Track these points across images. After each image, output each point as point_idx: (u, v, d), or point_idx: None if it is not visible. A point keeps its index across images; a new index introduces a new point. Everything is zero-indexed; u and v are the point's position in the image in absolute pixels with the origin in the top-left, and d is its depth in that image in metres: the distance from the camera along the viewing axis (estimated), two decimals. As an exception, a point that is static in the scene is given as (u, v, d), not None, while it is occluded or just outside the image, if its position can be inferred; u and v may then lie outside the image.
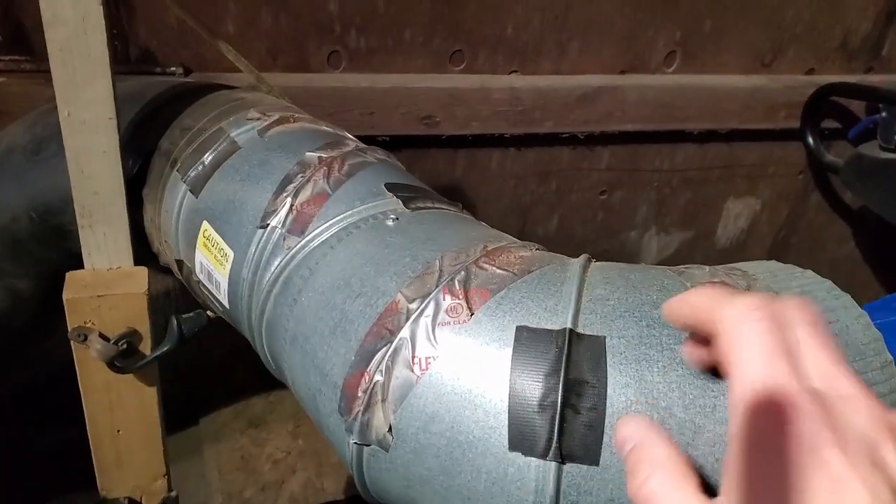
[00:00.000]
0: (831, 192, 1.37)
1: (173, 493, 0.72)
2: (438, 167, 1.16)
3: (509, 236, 0.44)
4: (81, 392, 0.62)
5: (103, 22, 0.52)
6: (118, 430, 0.65)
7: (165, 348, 0.61)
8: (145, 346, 0.61)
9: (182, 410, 1.30)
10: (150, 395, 0.64)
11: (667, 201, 1.32)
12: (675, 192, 1.31)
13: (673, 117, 1.17)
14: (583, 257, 0.39)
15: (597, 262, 0.40)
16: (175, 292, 1.05)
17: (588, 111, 1.13)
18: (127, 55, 0.96)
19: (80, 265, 0.61)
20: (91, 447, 0.66)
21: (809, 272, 0.40)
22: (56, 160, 0.63)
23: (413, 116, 1.08)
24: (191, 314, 0.62)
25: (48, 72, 0.97)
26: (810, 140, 1.20)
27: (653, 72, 1.16)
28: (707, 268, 0.40)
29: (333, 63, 1.04)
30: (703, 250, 1.41)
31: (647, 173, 1.27)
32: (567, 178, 1.24)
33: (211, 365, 1.25)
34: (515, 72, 1.12)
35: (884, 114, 1.09)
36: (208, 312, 0.62)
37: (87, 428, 0.65)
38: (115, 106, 0.53)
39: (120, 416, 0.64)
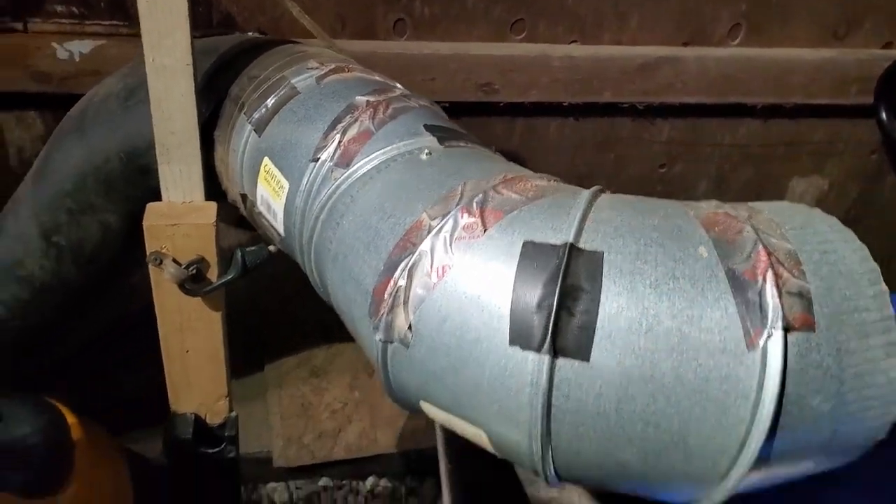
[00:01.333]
0: (909, 174, 1.32)
1: (233, 414, 0.79)
2: (496, 134, 1.19)
3: (531, 171, 0.47)
4: (157, 313, 0.70)
5: (184, -22, 0.58)
6: (187, 350, 0.73)
7: (230, 276, 0.68)
8: (212, 274, 0.68)
9: (248, 357, 1.39)
10: (216, 319, 0.71)
11: (728, 177, 1.30)
12: (736, 168, 1.29)
13: (734, 90, 1.16)
14: (594, 188, 0.43)
15: (608, 194, 0.43)
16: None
17: (648, 82, 1.14)
18: (210, 19, 1.04)
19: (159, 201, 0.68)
20: (164, 365, 0.75)
21: (817, 210, 0.42)
22: (143, 107, 0.71)
23: (473, 83, 1.11)
24: (253, 247, 0.69)
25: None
26: (884, 116, 1.16)
27: (716, 44, 1.15)
28: (714, 202, 0.42)
29: (399, 30, 1.09)
30: (766, 230, 1.38)
31: (708, 148, 1.26)
32: (626, 150, 1.25)
33: (277, 314, 1.34)
34: (575, 41, 1.13)
35: (959, 87, 1.04)
36: (270, 247, 0.69)
37: (161, 347, 0.73)
38: (192, 54, 0.60)
39: (189, 337, 0.72)
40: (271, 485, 1.45)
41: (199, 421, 0.78)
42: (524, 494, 1.07)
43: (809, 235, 0.39)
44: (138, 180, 0.75)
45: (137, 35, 1.09)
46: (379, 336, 0.42)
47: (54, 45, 1.00)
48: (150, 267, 0.66)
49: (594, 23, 1.11)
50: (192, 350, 0.73)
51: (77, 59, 1.02)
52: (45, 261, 0.86)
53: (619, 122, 1.21)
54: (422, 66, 1.08)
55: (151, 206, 0.66)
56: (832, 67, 1.16)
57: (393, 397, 0.45)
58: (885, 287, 0.38)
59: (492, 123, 1.18)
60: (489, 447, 0.42)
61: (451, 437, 0.88)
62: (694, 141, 1.25)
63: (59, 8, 1.02)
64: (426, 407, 0.43)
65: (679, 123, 1.22)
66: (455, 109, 1.14)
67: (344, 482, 1.48)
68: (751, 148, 1.27)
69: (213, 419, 0.79)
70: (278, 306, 1.34)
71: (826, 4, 1.14)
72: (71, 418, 0.87)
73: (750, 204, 0.43)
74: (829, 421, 0.36)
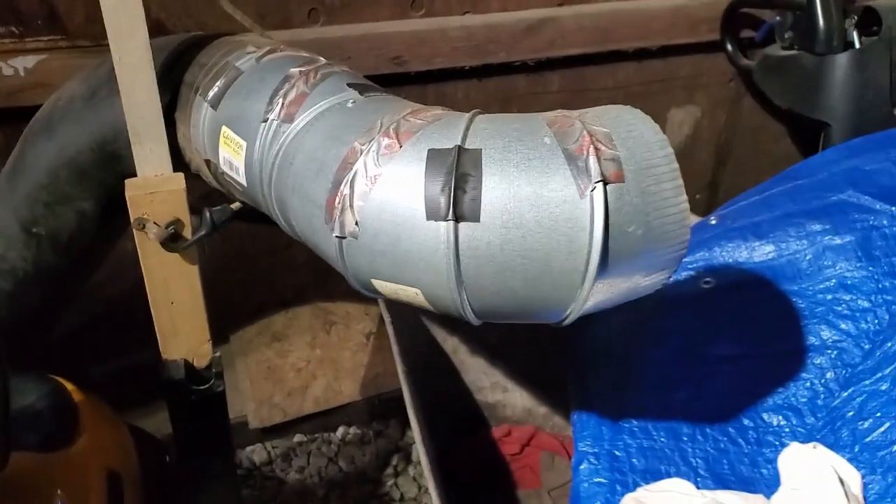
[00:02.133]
0: (762, 95, 1.55)
1: (217, 354, 0.94)
2: (410, 101, 1.35)
3: (429, 106, 0.64)
4: (143, 271, 0.84)
5: (136, -11, 0.72)
6: (172, 302, 0.87)
7: (203, 232, 0.82)
8: (187, 233, 0.82)
9: (213, 329, 1.51)
10: (194, 272, 0.85)
11: (615, 116, 1.50)
12: (620, 107, 1.49)
13: (609, 39, 1.35)
14: (474, 111, 0.60)
15: (484, 114, 0.60)
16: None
17: (534, 40, 1.32)
18: (141, 26, 1.15)
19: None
20: (153, 319, 0.88)
21: (628, 107, 0.60)
22: (107, 101, 0.84)
23: (385, 58, 1.27)
24: (218, 207, 0.83)
25: (81, 47, 1.17)
26: (729, 48, 1.38)
27: (588, 2, 1.34)
28: (558, 110, 0.60)
29: (314, 18, 1.23)
30: (655, 160, 1.60)
31: (595, 92, 1.46)
32: (525, 103, 1.43)
33: (235, 288, 1.47)
34: (468, 12, 1.30)
35: (778, 17, 1.27)
36: (232, 206, 0.83)
37: (150, 302, 0.86)
38: (150, 51, 0.74)
39: (173, 290, 0.86)
40: (249, 448, 1.58)
41: (188, 364, 0.92)
42: (474, 400, 1.26)
43: (619, 122, 0.57)
44: (109, 166, 0.87)
45: (76, 47, 1.20)
46: (335, 234, 0.58)
47: (-1, 63, 1.10)
48: (135, 231, 0.80)
49: (483, -7, 1.28)
50: (175, 301, 0.87)
51: (23, 74, 1.12)
52: (27, 252, 0.97)
53: (515, 80, 1.39)
54: (337, 48, 1.23)
55: (130, 181, 0.79)
56: (685, 12, 1.37)
57: (352, 281, 0.61)
58: (671, 150, 0.57)
59: (405, 91, 1.33)
60: (425, 304, 0.59)
61: (408, 361, 1.05)
62: (581, 88, 1.44)
63: (-2, 29, 1.11)
64: (377, 283, 0.60)
65: (566, 74, 1.41)
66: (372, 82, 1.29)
67: (316, 435, 1.62)
68: (631, 87, 1.48)
69: (201, 362, 0.93)
70: (235, 283, 1.47)
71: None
72: (70, 386, 1.00)
73: (582, 110, 0.61)
74: (644, 241, 0.55)
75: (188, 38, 0.85)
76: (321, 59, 0.76)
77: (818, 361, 0.93)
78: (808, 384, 0.92)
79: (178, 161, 0.84)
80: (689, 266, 1.07)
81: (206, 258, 1.38)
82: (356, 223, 0.57)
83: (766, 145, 1.65)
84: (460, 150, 0.54)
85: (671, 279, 1.11)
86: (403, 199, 0.55)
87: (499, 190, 0.53)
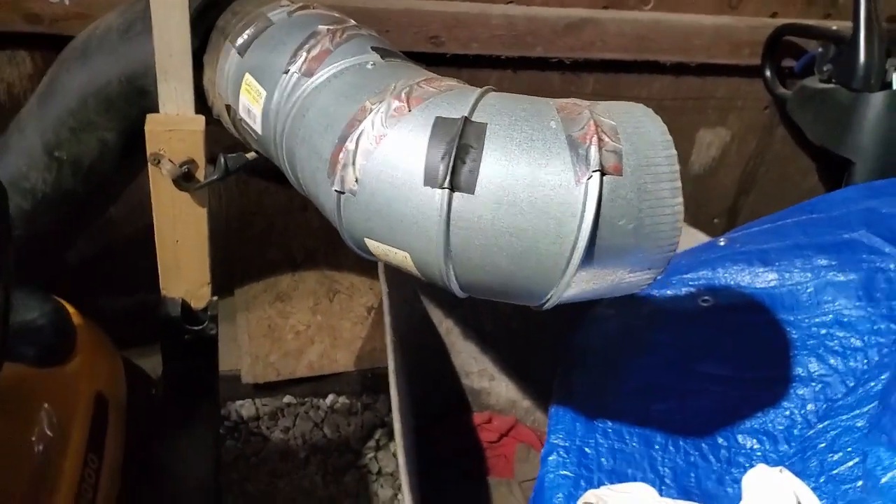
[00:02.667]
0: (796, 127, 1.53)
1: (215, 298, 0.96)
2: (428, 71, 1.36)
3: (444, 76, 0.65)
4: (153, 207, 0.86)
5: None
6: (177, 241, 0.89)
7: (215, 176, 0.84)
8: (200, 175, 0.84)
9: (220, 282, 1.54)
10: (202, 214, 0.87)
11: (644, 127, 1.50)
12: (651, 118, 1.49)
13: (648, 49, 1.35)
14: (487, 87, 0.60)
15: (497, 92, 0.61)
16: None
17: (573, 39, 1.32)
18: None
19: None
20: (157, 253, 0.90)
21: (641, 105, 0.61)
22: (141, 37, 0.86)
23: (422, 36, 1.27)
24: (233, 154, 0.85)
25: (124, -18, 1.18)
26: (768, 75, 1.36)
27: (631, 8, 1.33)
28: (571, 98, 0.60)
29: (358, -14, 1.24)
30: (679, 177, 1.59)
31: (628, 100, 1.45)
32: (556, 101, 1.43)
33: (248, 243, 1.50)
34: (512, 2, 1.30)
35: (819, 48, 1.25)
36: (248, 154, 0.85)
37: (156, 237, 0.89)
38: (187, -10, 0.75)
39: (179, 228, 0.88)
40: (239, 402, 1.61)
41: (185, 304, 0.94)
42: (461, 384, 1.27)
43: (628, 117, 0.57)
44: (135, 100, 0.90)
45: (120, -18, 1.21)
46: (335, 188, 0.59)
47: (46, -12, 1.12)
48: (150, 166, 0.82)
49: (528, -15, 1.28)
50: (181, 240, 0.89)
51: (67, 3, 1.15)
52: (48, 174, 1.00)
53: (549, 76, 1.39)
54: (377, 20, 1.24)
55: (151, 116, 0.81)
56: (728, 32, 1.36)
57: (346, 238, 0.62)
58: (674, 151, 0.57)
59: (440, 73, 1.34)
60: (413, 269, 0.60)
61: (399, 334, 1.07)
62: (615, 94, 1.44)
63: (50, -45, 1.13)
64: (369, 242, 0.61)
65: (602, 78, 1.41)
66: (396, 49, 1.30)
67: (306, 399, 1.65)
68: (664, 102, 1.47)
69: (198, 304, 0.95)
70: (249, 238, 1.49)
71: (724, -23, 1.33)
72: (71, 310, 1.03)
73: (594, 101, 0.61)
74: (633, 236, 0.55)
75: (227, -15, 0.86)
76: (350, 20, 0.77)
77: (801, 392, 0.93)
78: (787, 412, 0.92)
79: (202, 105, 0.86)
80: (691, 283, 1.07)
81: (223, 209, 1.41)
82: (356, 180, 0.58)
83: (793, 178, 1.63)
84: (466, 121, 0.55)
85: (671, 293, 1.11)
86: (404, 161, 0.56)
87: (497, 165, 0.54)
